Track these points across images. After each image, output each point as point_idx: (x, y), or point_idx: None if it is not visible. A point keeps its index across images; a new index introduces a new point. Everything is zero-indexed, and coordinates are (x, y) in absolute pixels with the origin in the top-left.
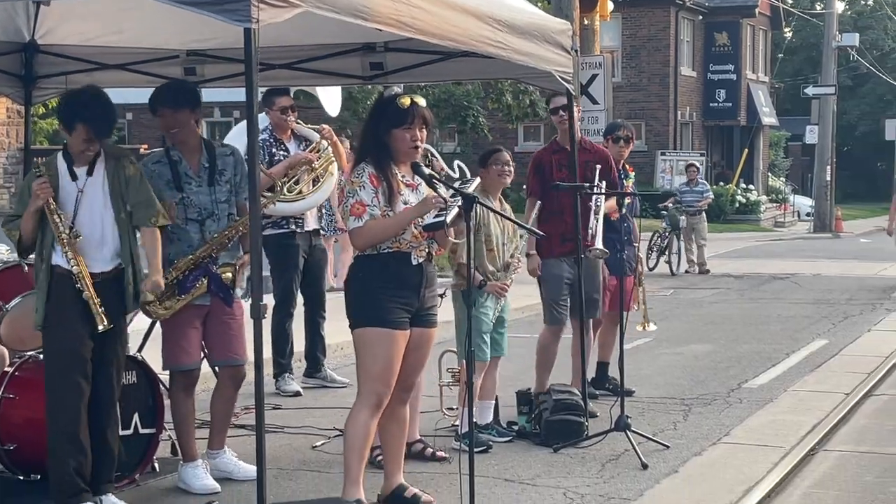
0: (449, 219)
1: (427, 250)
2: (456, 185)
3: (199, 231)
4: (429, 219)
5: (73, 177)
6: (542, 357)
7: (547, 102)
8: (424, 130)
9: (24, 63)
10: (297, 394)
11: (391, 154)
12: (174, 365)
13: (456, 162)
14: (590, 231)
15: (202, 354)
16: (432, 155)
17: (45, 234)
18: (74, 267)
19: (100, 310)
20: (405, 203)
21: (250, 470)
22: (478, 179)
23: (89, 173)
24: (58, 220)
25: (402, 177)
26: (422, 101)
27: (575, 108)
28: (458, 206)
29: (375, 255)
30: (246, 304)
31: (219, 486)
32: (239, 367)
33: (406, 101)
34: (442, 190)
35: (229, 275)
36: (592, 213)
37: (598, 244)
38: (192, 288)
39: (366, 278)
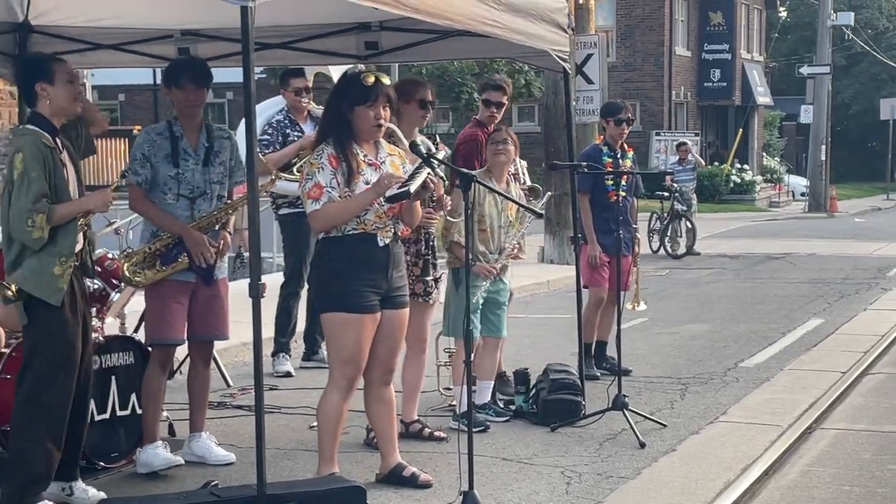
0: (413, 189)
1: (393, 230)
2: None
3: (188, 208)
4: (393, 191)
5: (60, 148)
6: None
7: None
8: (388, 109)
9: (17, 43)
10: (289, 374)
11: (353, 132)
12: (156, 338)
13: (420, 137)
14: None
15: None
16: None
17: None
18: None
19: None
20: (366, 182)
21: (223, 455)
22: (443, 151)
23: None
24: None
25: (364, 156)
26: (386, 80)
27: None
28: (428, 176)
29: (341, 238)
30: (239, 284)
31: (181, 458)
32: (208, 344)
33: (370, 78)
34: (438, 169)
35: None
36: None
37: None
38: (173, 262)
39: (332, 261)
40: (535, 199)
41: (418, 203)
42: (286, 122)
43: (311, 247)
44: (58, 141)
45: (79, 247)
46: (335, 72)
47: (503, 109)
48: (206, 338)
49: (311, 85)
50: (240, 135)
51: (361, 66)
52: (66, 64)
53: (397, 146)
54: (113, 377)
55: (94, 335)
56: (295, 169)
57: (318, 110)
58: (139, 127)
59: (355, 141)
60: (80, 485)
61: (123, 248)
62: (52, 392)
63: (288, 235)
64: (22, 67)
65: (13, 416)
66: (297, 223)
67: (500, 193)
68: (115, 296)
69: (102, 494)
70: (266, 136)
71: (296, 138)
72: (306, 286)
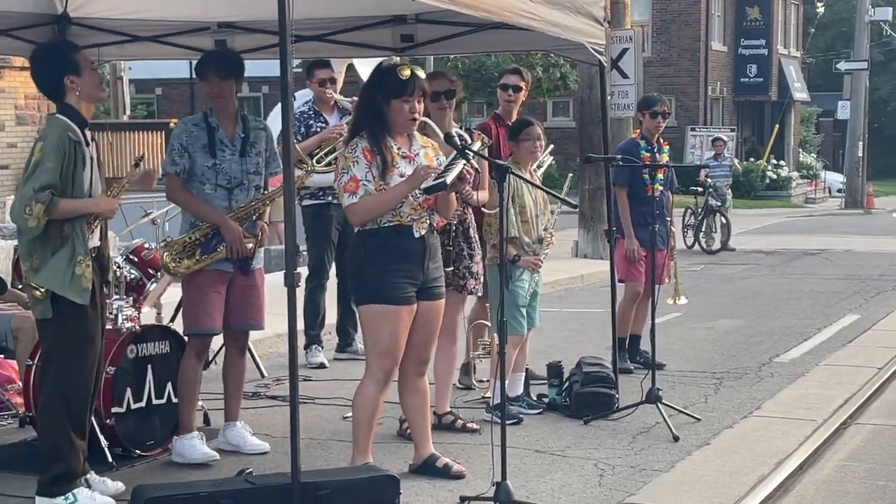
0: (449, 180)
1: (428, 222)
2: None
3: (226, 198)
4: (429, 182)
5: (87, 142)
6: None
7: (562, 78)
8: (423, 103)
9: (56, 35)
10: (322, 366)
11: (387, 125)
12: (194, 328)
13: (455, 129)
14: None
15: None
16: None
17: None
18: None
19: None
20: (401, 175)
21: (257, 444)
22: (479, 142)
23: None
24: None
25: (399, 148)
26: (421, 73)
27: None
28: (464, 167)
29: (376, 230)
30: (272, 276)
31: (216, 454)
32: (243, 334)
33: (406, 71)
34: (473, 162)
35: (250, 245)
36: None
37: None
38: (212, 251)
39: (368, 254)
40: None
41: (454, 194)
42: (310, 113)
43: (334, 238)
44: (86, 134)
45: (93, 244)
46: (360, 66)
47: (520, 93)
48: (242, 327)
49: (342, 77)
50: (271, 120)
51: (396, 59)
52: (82, 50)
53: (431, 138)
54: (149, 366)
55: (130, 324)
56: (315, 160)
57: (345, 101)
58: (175, 120)
59: (389, 134)
60: (94, 477)
61: (161, 239)
62: (75, 385)
63: (310, 227)
64: (43, 60)
65: (40, 412)
66: (318, 214)
67: (532, 184)
68: (151, 286)
69: (121, 485)
70: None
71: (319, 129)
72: (333, 277)
